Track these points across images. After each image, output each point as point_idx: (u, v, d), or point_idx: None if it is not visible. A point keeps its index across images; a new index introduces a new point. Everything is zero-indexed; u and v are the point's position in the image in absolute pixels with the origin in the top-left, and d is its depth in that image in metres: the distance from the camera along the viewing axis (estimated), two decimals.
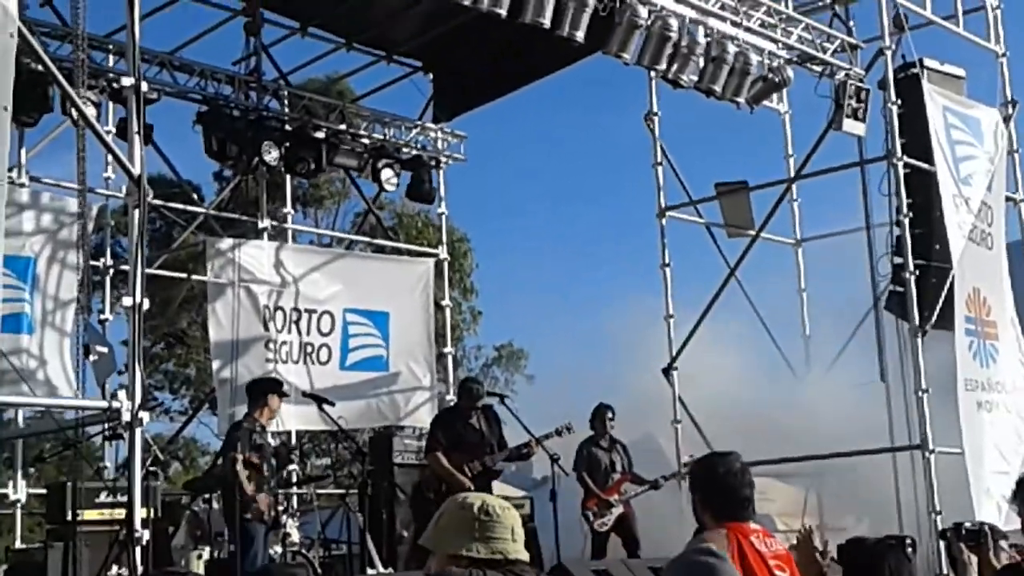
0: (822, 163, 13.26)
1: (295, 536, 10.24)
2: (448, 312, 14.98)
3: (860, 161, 13.28)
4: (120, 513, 8.78)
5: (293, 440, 13.86)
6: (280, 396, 9.88)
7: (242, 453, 9.13)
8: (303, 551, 10.17)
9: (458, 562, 3.21)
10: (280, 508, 10.76)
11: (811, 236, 15.69)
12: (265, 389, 9.88)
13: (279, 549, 9.99)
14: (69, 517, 8.69)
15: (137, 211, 7.18)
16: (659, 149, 14.12)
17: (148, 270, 8.51)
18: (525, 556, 3.27)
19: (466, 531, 3.23)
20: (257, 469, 9.14)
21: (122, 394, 6.97)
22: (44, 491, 11.39)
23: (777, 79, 11.98)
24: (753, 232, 13.82)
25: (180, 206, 14.17)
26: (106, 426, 7.57)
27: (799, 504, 14.38)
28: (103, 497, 9.38)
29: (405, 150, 14.32)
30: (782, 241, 15.24)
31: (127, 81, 7.60)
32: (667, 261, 13.85)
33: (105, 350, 8.01)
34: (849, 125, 12.27)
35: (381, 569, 9.71)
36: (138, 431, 6.96)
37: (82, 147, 7.89)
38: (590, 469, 11.59)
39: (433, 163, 14.54)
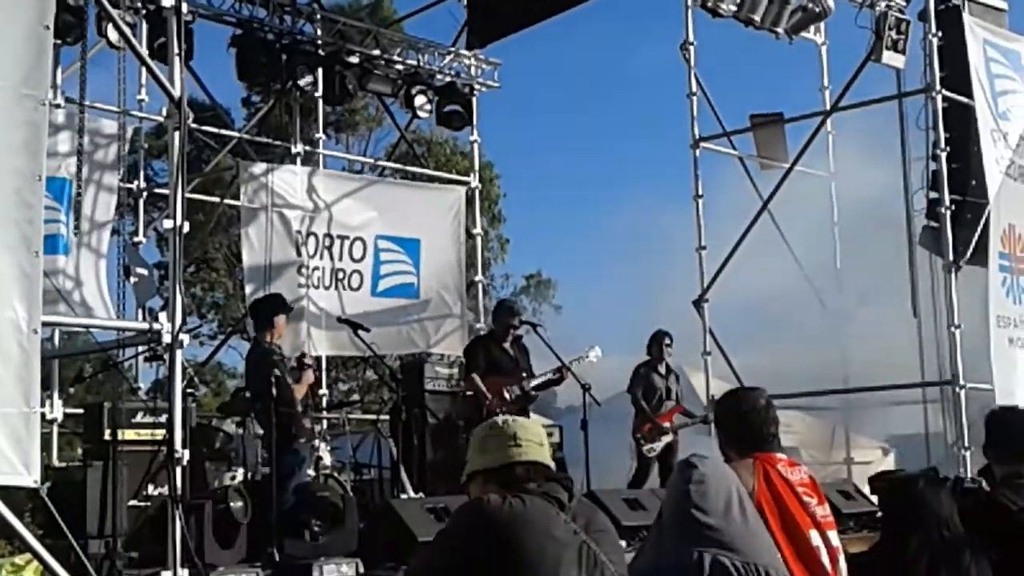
0: (859, 96, 13.18)
1: (327, 459, 10.39)
2: (479, 241, 15.00)
3: (898, 94, 13.18)
4: (156, 434, 8.95)
5: (324, 365, 14.01)
6: (287, 316, 9.42)
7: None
8: (335, 474, 10.33)
9: (474, 479, 3.41)
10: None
11: (847, 169, 15.60)
12: (272, 309, 9.21)
13: (311, 472, 10.15)
14: (107, 436, 8.82)
15: (177, 133, 7.19)
16: (694, 79, 14.04)
17: None
18: (539, 458, 3.37)
19: (476, 451, 3.43)
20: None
21: (162, 316, 7.05)
22: (78, 411, 11.58)
23: (817, 9, 11.88)
24: (787, 164, 13.77)
25: (212, 129, 14.21)
26: (139, 348, 7.66)
27: (827, 437, 14.48)
28: (139, 418, 9.53)
29: (439, 77, 14.27)
30: (816, 174, 15.18)
31: (167, 2, 7.58)
32: (700, 192, 13.81)
33: (145, 272, 8.10)
34: (888, 57, 12.17)
35: (412, 494, 9.85)
36: (178, 353, 7.05)
37: (121, 68, 7.92)
38: (645, 393, 11.56)
39: (467, 90, 14.49)
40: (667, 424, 11.49)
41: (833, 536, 4.14)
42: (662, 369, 11.72)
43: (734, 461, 4.16)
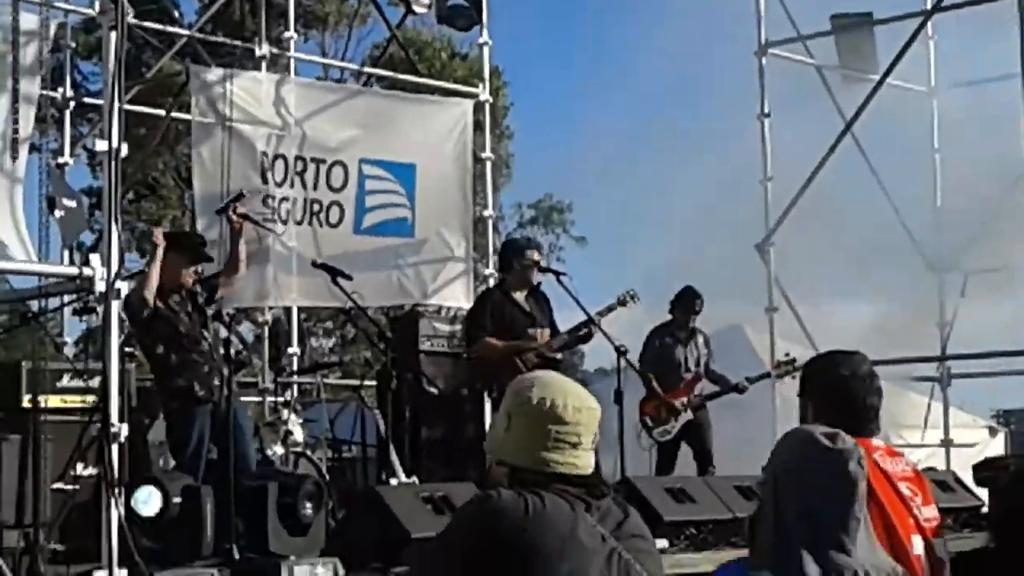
0: None
1: (298, 435, 10.46)
2: (488, 166, 14.96)
3: None
4: (88, 400, 9.01)
5: (295, 318, 14.05)
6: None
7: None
8: (307, 452, 10.40)
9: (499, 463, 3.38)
10: (282, 401, 11.04)
11: (951, 83, 15.53)
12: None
13: (279, 450, 10.22)
14: (26, 404, 8.87)
15: (114, 34, 7.18)
16: None
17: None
18: (587, 469, 3.35)
19: (516, 427, 3.36)
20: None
21: (95, 258, 7.07)
22: None
23: None
24: (877, 77, 13.70)
25: (156, 26, 14.15)
26: (66, 298, 7.69)
27: (920, 414, 14.50)
28: (66, 381, 9.56)
29: None
30: (913, 89, 15.10)
31: None
32: (767, 110, 13.78)
33: (73, 204, 8.08)
34: None
35: (403, 478, 9.87)
36: (115, 304, 7.07)
37: None
38: (659, 365, 11.66)
39: None
40: (681, 401, 11.57)
41: (939, 545, 4.14)
42: (682, 335, 11.79)
43: None
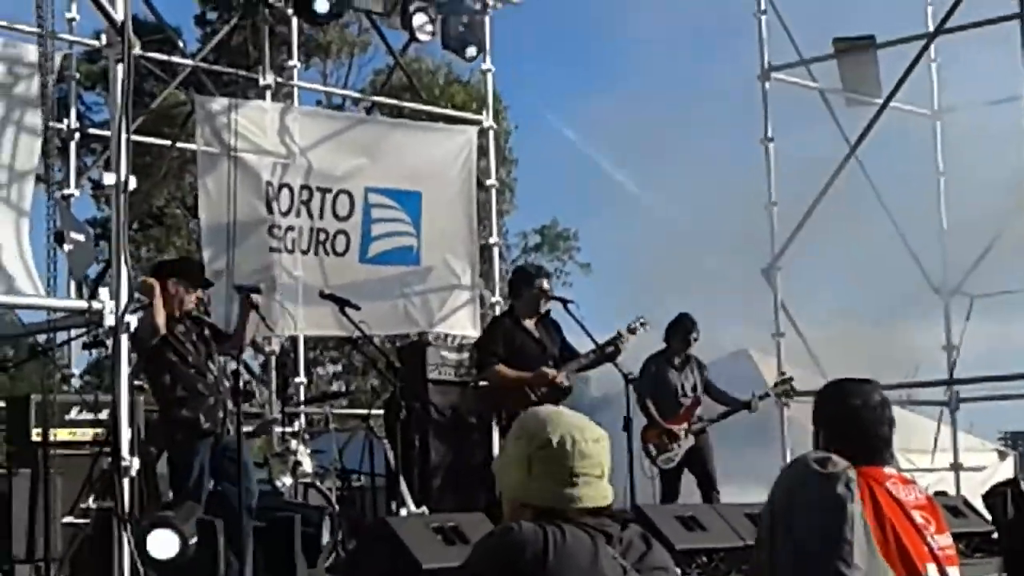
0: (971, 15, 13.12)
1: (307, 465, 10.46)
2: (493, 193, 14.99)
3: (1021, 12, 13.12)
4: (97, 433, 9.00)
5: (300, 347, 14.07)
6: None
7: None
8: (316, 482, 10.41)
9: (509, 499, 3.39)
10: (290, 431, 11.05)
11: (955, 106, 15.55)
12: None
13: (288, 480, 10.23)
14: (36, 437, 8.87)
15: (120, 66, 7.19)
16: None
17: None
18: (598, 503, 3.33)
19: (518, 463, 3.36)
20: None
21: (104, 292, 7.08)
22: None
23: None
24: (880, 100, 13.72)
25: (160, 56, 14.18)
26: (73, 331, 7.68)
27: (928, 438, 14.49)
28: (75, 414, 9.56)
29: None
30: (917, 111, 15.11)
31: None
32: (770, 135, 13.79)
33: (82, 238, 8.08)
34: None
35: (413, 508, 9.87)
36: (124, 338, 7.08)
37: None
38: (656, 393, 11.67)
39: (479, 6, 14.41)
40: (682, 427, 11.60)
41: (955, 574, 4.15)
42: (677, 361, 11.80)
43: None
